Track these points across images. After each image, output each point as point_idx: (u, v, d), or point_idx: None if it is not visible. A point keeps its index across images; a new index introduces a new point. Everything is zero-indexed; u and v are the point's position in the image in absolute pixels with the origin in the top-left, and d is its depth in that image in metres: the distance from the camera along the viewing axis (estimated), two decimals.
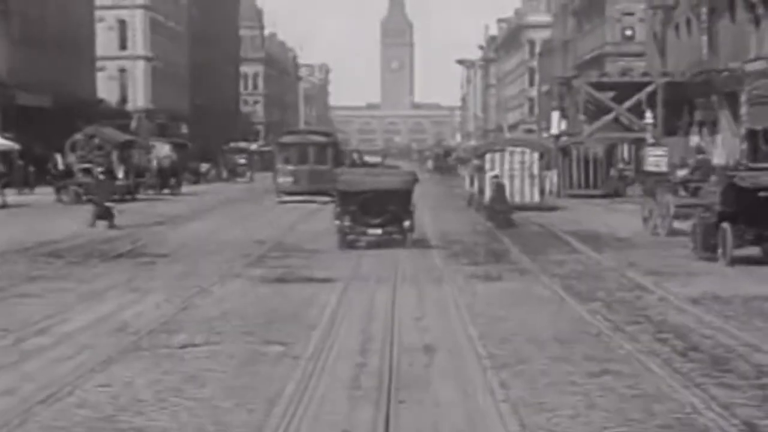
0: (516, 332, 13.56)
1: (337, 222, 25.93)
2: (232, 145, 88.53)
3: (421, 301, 16.45)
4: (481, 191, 39.44)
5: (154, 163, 52.26)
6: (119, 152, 45.89)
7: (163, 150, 57.01)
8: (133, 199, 44.92)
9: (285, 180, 46.50)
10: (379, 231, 25.90)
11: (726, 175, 23.92)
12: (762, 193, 21.66)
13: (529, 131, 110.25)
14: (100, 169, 38.04)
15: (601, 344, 12.73)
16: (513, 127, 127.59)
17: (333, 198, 39.63)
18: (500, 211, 32.39)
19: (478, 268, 21.01)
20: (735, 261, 21.14)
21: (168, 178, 53.22)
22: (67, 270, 20.64)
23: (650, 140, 56.12)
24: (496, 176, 35.96)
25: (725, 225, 21.46)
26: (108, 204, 31.56)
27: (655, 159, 46.63)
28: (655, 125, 56.96)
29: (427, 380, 10.79)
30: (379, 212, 25.99)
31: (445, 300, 16.66)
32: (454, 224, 32.81)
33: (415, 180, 27.47)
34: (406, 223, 25.85)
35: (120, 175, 43.91)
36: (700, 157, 36.05)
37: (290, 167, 46.70)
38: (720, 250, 21.55)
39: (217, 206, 43.33)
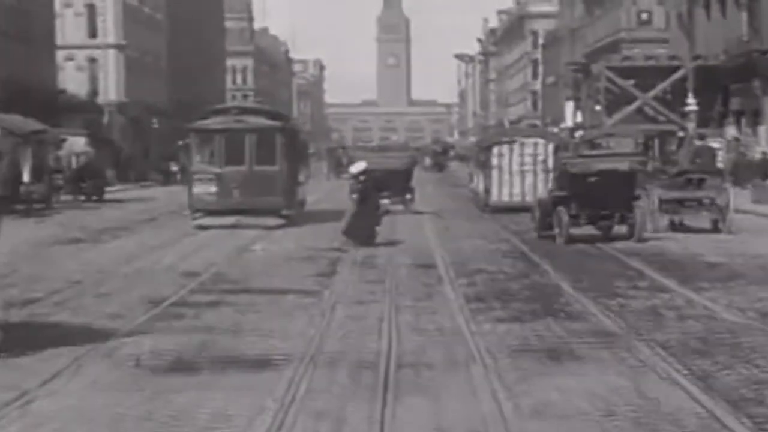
0: None
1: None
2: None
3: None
4: (487, 191, 35.38)
5: (66, 161, 41.77)
6: (28, 146, 34.67)
7: (77, 144, 44.85)
8: (47, 209, 35.08)
9: (204, 190, 29.38)
10: (386, 201, 30.56)
11: (560, 161, 26.14)
12: (591, 178, 23.78)
13: (533, 126, 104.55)
14: None
15: None
16: (515, 123, 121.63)
17: (286, 219, 28.52)
18: (362, 226, 23.37)
19: (524, 327, 12.77)
20: (570, 240, 23.23)
21: (83, 181, 42.07)
22: None
23: (684, 132, 48.50)
24: (362, 174, 25.15)
25: (560, 208, 23.65)
26: None
27: None
28: (697, 112, 49.57)
29: None
30: (386, 187, 31.01)
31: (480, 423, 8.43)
32: (467, 240, 24.65)
33: (415, 162, 38.58)
34: (408, 196, 34.69)
35: (26, 176, 33.54)
36: (699, 143, 29.74)
37: (214, 169, 29.62)
38: (557, 230, 23.64)
39: (157, 216, 33.74)
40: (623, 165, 24.60)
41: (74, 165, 41.72)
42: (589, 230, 23.90)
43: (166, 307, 14.45)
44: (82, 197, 41.86)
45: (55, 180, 39.01)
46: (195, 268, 18.96)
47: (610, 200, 23.75)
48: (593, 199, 23.64)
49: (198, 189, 29.47)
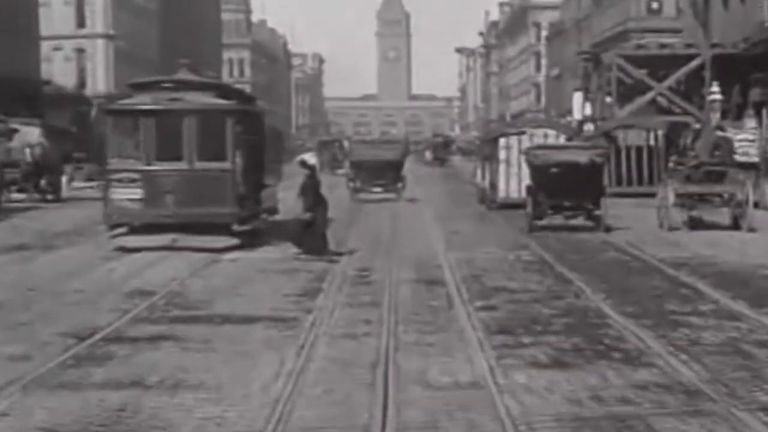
0: None
1: (351, 184, 37.88)
2: None
3: None
4: (493, 186, 33.24)
5: (19, 153, 37.76)
6: None
7: (30, 135, 38.75)
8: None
9: (125, 196, 21.35)
10: (380, 189, 37.56)
11: (525, 153, 26.66)
12: (553, 169, 24.31)
13: (538, 115, 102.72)
14: None
15: None
16: (517, 116, 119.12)
17: (239, 238, 21.47)
18: (310, 234, 19.44)
19: (570, 377, 9.34)
20: (535, 228, 24.15)
21: (39, 176, 37.35)
22: None
23: (700, 124, 45.51)
24: (304, 163, 20.84)
25: (527, 198, 24.86)
26: None
27: (742, 146, 34.58)
28: (722, 101, 46.62)
29: None
30: (380, 176, 37.83)
31: None
32: (479, 247, 21.13)
33: (407, 153, 42.26)
34: (399, 184, 37.92)
35: None
36: (719, 134, 27.43)
37: (138, 166, 21.58)
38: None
39: None
40: (583, 157, 24.65)
41: (29, 158, 37.45)
42: (579, 221, 24.50)
43: (91, 345, 11.04)
44: (37, 195, 37.55)
45: (8, 175, 34.56)
46: (149, 286, 15.50)
47: (573, 192, 24.18)
48: (556, 190, 24.23)
49: (117, 195, 21.33)
